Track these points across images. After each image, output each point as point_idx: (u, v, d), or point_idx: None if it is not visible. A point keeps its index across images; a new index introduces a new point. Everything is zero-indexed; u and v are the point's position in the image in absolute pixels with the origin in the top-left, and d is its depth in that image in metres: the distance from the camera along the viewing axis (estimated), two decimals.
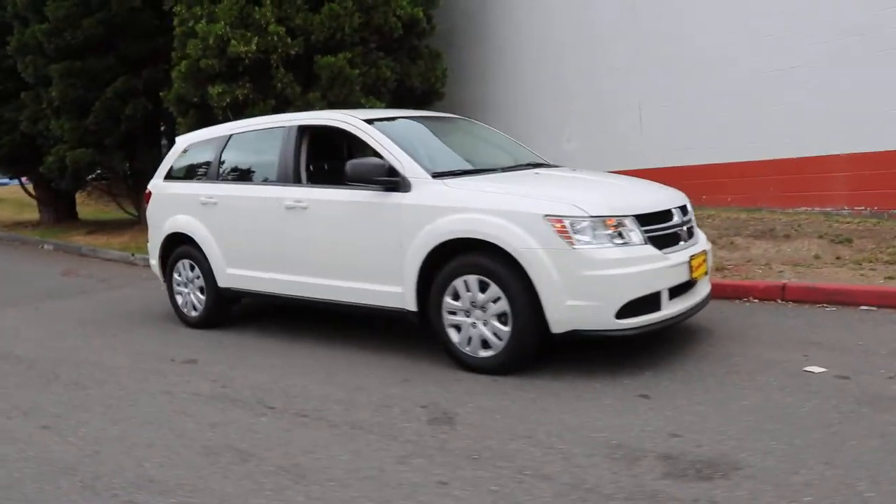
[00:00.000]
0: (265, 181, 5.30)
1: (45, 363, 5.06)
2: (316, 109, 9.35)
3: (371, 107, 9.61)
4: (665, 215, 4.15)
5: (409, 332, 5.10)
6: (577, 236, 3.78)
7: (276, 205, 5.06)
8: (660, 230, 4.05)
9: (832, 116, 7.37)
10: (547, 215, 3.83)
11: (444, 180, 4.33)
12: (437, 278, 4.23)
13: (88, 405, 4.04)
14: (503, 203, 4.01)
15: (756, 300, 5.42)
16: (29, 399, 4.23)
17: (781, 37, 7.71)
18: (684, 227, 4.29)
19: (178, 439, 3.43)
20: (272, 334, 5.50)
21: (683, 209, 4.38)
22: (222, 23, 9.23)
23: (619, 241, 3.85)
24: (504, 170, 4.72)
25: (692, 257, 4.15)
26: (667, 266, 3.95)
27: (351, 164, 4.45)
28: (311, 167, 5.21)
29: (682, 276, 4.07)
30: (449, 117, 5.76)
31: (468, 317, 4.14)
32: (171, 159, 6.23)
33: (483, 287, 4.05)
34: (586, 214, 3.82)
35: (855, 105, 7.18)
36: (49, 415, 3.91)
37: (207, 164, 5.80)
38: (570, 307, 3.79)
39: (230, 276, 5.51)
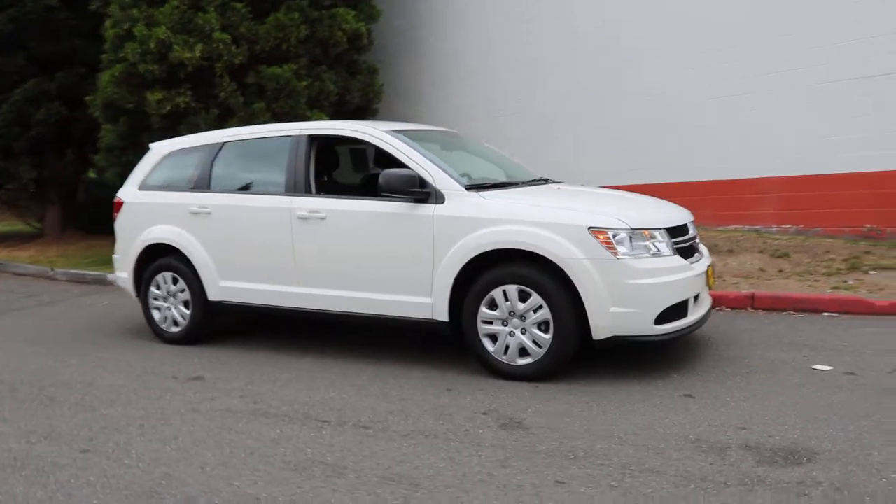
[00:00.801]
0: (271, 191, 5.17)
1: (27, 385, 4.64)
2: (260, 121, 9.17)
3: (317, 118, 9.52)
4: (684, 229, 4.49)
5: (409, 342, 5.16)
6: (620, 247, 4.02)
7: (287, 215, 4.95)
8: (681, 243, 4.38)
9: (762, 144, 8.14)
10: (591, 227, 4.05)
11: (480, 192, 4.45)
12: (472, 288, 4.33)
13: (117, 426, 3.78)
14: (546, 215, 4.18)
15: (728, 308, 5.92)
16: (40, 423, 3.88)
17: (717, 69, 8.44)
18: (696, 241, 4.66)
19: (249, 456, 3.29)
20: (269, 347, 5.33)
21: (693, 224, 4.75)
22: (163, 27, 8.83)
23: (654, 252, 4.13)
24: (525, 184, 4.90)
25: (707, 268, 4.52)
26: (693, 276, 4.27)
27: (385, 175, 4.46)
28: (326, 177, 5.14)
29: (701, 286, 4.41)
30: (444, 131, 5.87)
31: (505, 326, 4.27)
32: (146, 167, 5.90)
33: (523, 296, 4.20)
34: (627, 227, 4.07)
35: (782, 134, 7.98)
36: (78, 438, 3.62)
37: (196, 172, 5.55)
38: (612, 314, 4.01)
39: (224, 288, 5.31)
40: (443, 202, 4.42)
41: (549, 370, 4.18)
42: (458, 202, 4.39)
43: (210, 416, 3.89)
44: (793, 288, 6.17)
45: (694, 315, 4.35)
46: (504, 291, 4.23)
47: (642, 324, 4.04)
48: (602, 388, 4.03)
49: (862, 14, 7.43)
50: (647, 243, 4.11)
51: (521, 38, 10.60)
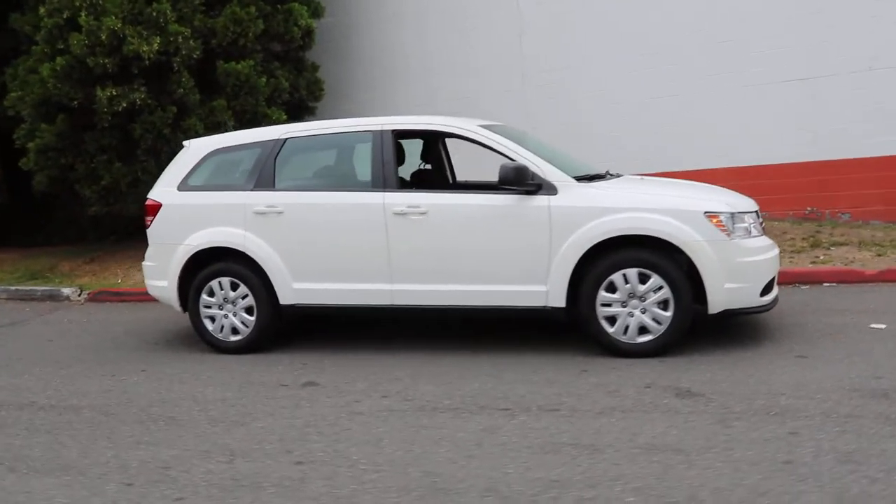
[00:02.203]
0: (355, 187, 5.07)
1: (122, 407, 4.26)
2: (220, 118, 8.73)
3: (276, 118, 9.23)
4: (759, 213, 5.04)
5: (491, 332, 5.31)
6: (731, 229, 4.47)
7: (379, 211, 4.89)
8: (760, 225, 4.92)
9: (710, 139, 9.06)
10: (706, 212, 4.46)
11: (590, 183, 4.71)
12: (590, 274, 4.58)
13: (298, 437, 3.62)
14: (663, 203, 4.54)
15: None
16: (201, 442, 3.62)
17: (665, 70, 9.26)
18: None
19: (483, 447, 3.33)
20: (340, 348, 5.22)
21: None
22: (113, 17, 8.13)
23: (750, 233, 4.62)
24: (611, 176, 5.20)
25: None
26: (777, 253, 4.82)
27: (503, 168, 4.58)
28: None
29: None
30: (503, 126, 5.98)
31: (624, 307, 4.56)
32: (184, 167, 5.50)
33: (643, 278, 4.51)
34: (735, 211, 4.53)
35: (727, 129, 8.94)
36: (273, 452, 3.43)
37: (254, 170, 5.28)
38: (727, 290, 4.45)
39: (298, 291, 5.12)
40: (556, 193, 4.63)
41: (668, 345, 4.54)
42: (573, 193, 4.62)
43: (384, 417, 3.83)
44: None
45: (776, 288, 4.90)
46: (624, 275, 4.53)
47: (750, 296, 4.52)
48: (722, 357, 4.45)
49: (796, 25, 8.53)
50: (744, 225, 4.59)
51: (463, 37, 10.91)
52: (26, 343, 6.30)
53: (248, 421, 3.90)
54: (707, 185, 5.49)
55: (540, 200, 4.64)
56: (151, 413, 4.13)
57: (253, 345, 5.30)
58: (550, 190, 4.64)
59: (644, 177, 5.59)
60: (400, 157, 5.42)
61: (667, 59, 9.23)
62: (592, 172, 5.09)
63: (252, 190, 5.25)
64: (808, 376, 4.00)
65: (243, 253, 5.20)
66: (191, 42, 8.52)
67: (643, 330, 4.55)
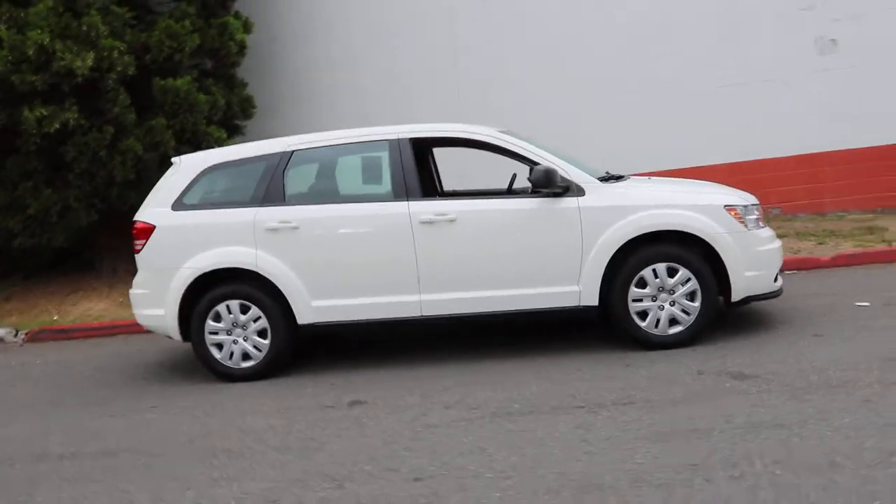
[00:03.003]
0: (376, 197, 4.93)
1: (152, 445, 3.91)
2: (159, 138, 8.22)
3: (218, 136, 8.81)
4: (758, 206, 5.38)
5: (511, 335, 5.33)
6: (746, 221, 4.76)
7: (404, 221, 4.78)
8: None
9: (643, 146, 9.54)
10: (726, 205, 4.73)
11: (613, 183, 4.85)
12: (621, 271, 4.71)
13: (454, 457, 3.46)
14: (686, 199, 4.77)
15: None
16: (272, 472, 3.39)
17: (598, 85, 9.69)
18: None
19: (614, 441, 3.33)
20: (364, 364, 5.04)
21: None
22: (38, 31, 7.46)
23: (758, 224, 4.94)
24: (627, 176, 5.33)
25: None
26: (780, 243, 5.17)
27: (536, 172, 4.62)
28: (438, 179, 5.04)
29: None
30: (511, 130, 5.95)
31: (654, 301, 4.72)
32: (179, 184, 5.13)
33: (671, 272, 4.70)
34: (748, 203, 4.84)
35: (663, 137, 9.47)
36: (364, 474, 3.27)
37: (260, 185, 5.00)
38: (747, 277, 4.72)
39: (317, 309, 4.90)
40: (583, 194, 4.73)
41: (697, 335, 4.75)
42: (600, 193, 4.75)
43: (463, 426, 3.73)
44: None
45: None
46: (654, 270, 4.70)
47: (766, 282, 4.82)
48: (746, 342, 4.70)
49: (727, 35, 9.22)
50: (754, 217, 4.91)
51: (394, 52, 10.91)
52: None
53: (317, 446, 3.67)
54: (703, 181, 5.81)
55: (569, 202, 4.73)
56: (201, 448, 3.80)
57: (267, 370, 5.00)
58: (578, 191, 4.74)
59: (650, 177, 5.82)
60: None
61: (602, 73, 9.68)
62: (602, 174, 5.25)
63: (261, 206, 4.98)
64: (837, 351, 4.32)
65: (255, 273, 4.92)
66: (125, 58, 7.96)
67: (672, 322, 4.74)
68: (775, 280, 4.90)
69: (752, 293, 4.79)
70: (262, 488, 3.19)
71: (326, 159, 5.15)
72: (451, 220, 4.80)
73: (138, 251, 5.14)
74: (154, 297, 5.08)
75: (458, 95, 10.68)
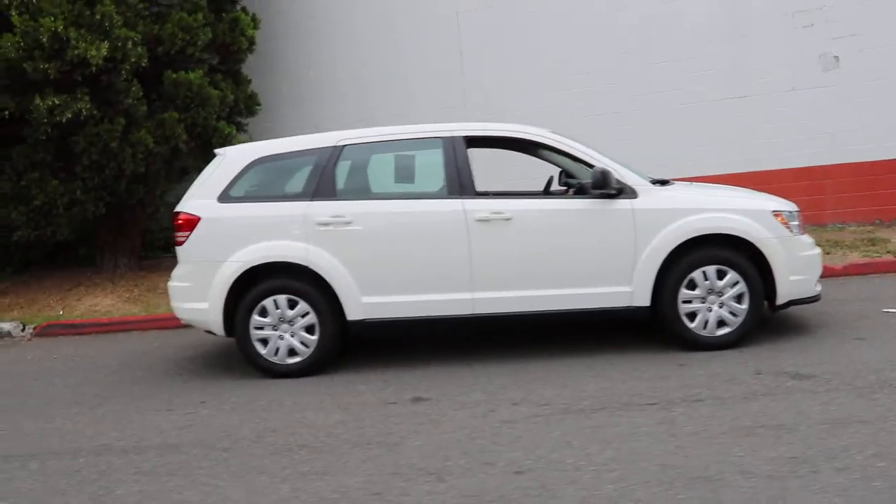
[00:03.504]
0: (429, 194, 4.92)
1: (220, 440, 3.83)
2: (169, 131, 8.06)
3: (228, 132, 8.69)
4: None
5: (565, 335, 5.38)
6: (792, 226, 4.89)
7: (460, 218, 4.79)
8: None
9: (646, 153, 9.72)
10: (774, 211, 4.85)
11: (665, 187, 4.93)
12: (672, 272, 4.78)
13: (506, 461, 3.45)
14: (736, 203, 4.88)
15: None
16: (363, 466, 3.36)
17: (598, 90, 9.85)
18: None
19: (725, 435, 3.37)
20: (416, 362, 5.02)
21: None
22: (51, 17, 7.26)
23: (802, 230, 5.07)
24: (668, 182, 5.40)
25: None
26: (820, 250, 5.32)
27: (595, 173, 4.68)
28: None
29: None
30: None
31: (703, 302, 4.81)
32: (224, 176, 5.03)
33: (720, 275, 4.79)
34: (792, 210, 4.97)
35: (666, 145, 9.67)
36: (460, 469, 3.26)
37: (310, 179, 4.95)
38: (792, 282, 4.84)
39: (367, 305, 4.86)
40: (636, 196, 4.80)
41: (743, 336, 4.85)
42: (653, 196, 4.83)
43: (541, 422, 3.74)
44: None
45: None
46: (704, 272, 4.79)
47: (809, 287, 4.95)
48: (792, 344, 4.81)
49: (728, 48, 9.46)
50: (797, 223, 5.04)
51: (398, 52, 10.91)
52: (7, 385, 5.39)
53: (397, 440, 3.64)
54: (739, 187, 5.94)
55: (622, 203, 4.80)
56: (272, 443, 3.73)
57: (314, 366, 4.94)
58: (631, 193, 4.81)
59: (692, 182, 5.90)
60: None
61: (602, 79, 9.83)
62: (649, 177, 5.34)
63: (311, 200, 4.92)
64: (885, 354, 4.45)
65: (304, 267, 4.85)
66: (139, 49, 7.79)
67: (721, 323, 4.83)
68: (816, 285, 5.04)
69: (794, 297, 4.91)
70: (360, 482, 3.15)
71: (378, 155, 5.12)
72: (507, 219, 4.81)
73: (180, 243, 5.03)
74: (197, 291, 4.98)
75: (463, 97, 10.73)
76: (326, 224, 4.86)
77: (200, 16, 8.44)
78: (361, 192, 5.05)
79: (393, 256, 4.87)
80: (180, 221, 5.02)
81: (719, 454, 3.15)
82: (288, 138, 5.25)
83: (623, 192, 4.81)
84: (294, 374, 4.94)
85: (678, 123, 9.55)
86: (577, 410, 3.88)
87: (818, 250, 5.09)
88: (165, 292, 8.39)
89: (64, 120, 7.33)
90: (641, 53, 9.69)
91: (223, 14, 8.97)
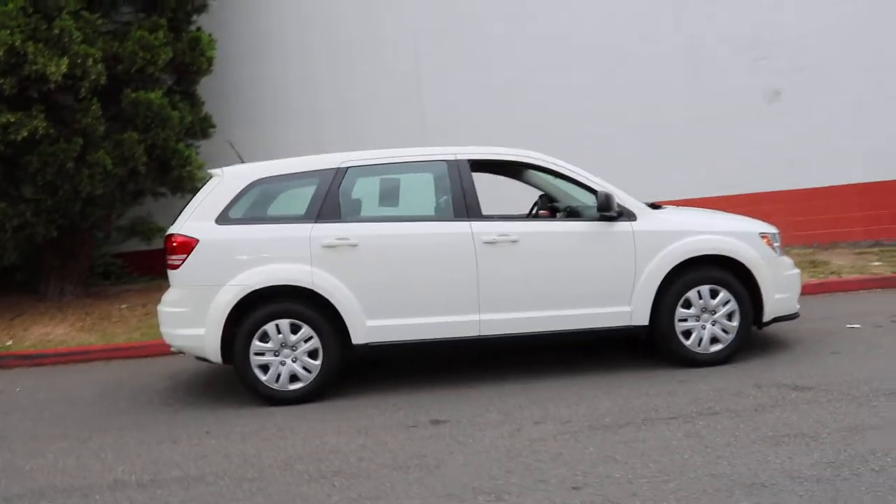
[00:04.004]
0: (436, 217, 4.94)
1: (241, 470, 3.69)
2: (128, 152, 7.76)
3: (188, 154, 8.45)
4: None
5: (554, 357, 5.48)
6: (775, 248, 5.18)
7: (467, 240, 4.82)
8: None
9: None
10: (761, 233, 5.14)
11: (658, 210, 5.13)
12: (669, 292, 4.96)
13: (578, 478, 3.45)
14: (726, 226, 5.14)
15: None
16: (440, 487, 3.31)
17: (561, 115, 10.16)
18: None
19: (761, 443, 3.50)
20: (417, 385, 4.99)
21: None
22: (8, 31, 6.90)
23: (780, 252, 5.38)
24: (659, 205, 5.60)
25: None
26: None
27: (601, 196, 4.83)
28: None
29: None
30: None
31: (698, 321, 5.01)
32: (223, 197, 4.88)
33: (713, 294, 5.01)
34: (776, 232, 5.27)
35: (629, 171, 10.02)
36: (516, 486, 3.26)
37: (314, 201, 4.87)
38: (777, 300, 5.12)
39: (372, 329, 4.80)
40: (635, 219, 4.98)
41: (734, 352, 5.07)
42: (650, 219, 5.02)
43: (570, 439, 3.80)
44: None
45: None
46: (698, 291, 5.00)
47: (791, 304, 5.25)
48: (777, 359, 5.08)
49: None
50: (777, 244, 5.35)
51: (354, 75, 10.92)
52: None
53: (435, 462, 3.60)
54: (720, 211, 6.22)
55: (622, 226, 4.96)
56: (304, 471, 3.61)
57: (315, 392, 4.82)
58: (631, 216, 4.99)
59: (679, 206, 6.14)
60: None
61: (567, 103, 10.13)
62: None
63: (315, 222, 4.84)
64: (867, 365, 4.77)
65: (308, 291, 4.75)
66: (98, 66, 7.48)
67: (713, 340, 5.05)
68: (796, 303, 5.35)
69: (779, 314, 5.20)
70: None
71: (382, 177, 5.10)
72: (514, 241, 4.89)
73: (175, 267, 4.83)
74: (193, 316, 4.78)
75: (421, 121, 10.82)
76: (332, 246, 4.79)
77: (161, 34, 8.19)
78: (366, 214, 5.01)
79: (399, 279, 4.84)
80: (175, 244, 4.82)
81: (760, 462, 3.29)
82: (287, 159, 5.16)
83: (623, 214, 4.99)
84: (295, 400, 4.79)
85: (632, 146, 9.91)
86: (602, 427, 3.96)
87: (798, 270, 5.41)
88: (121, 320, 8.18)
89: (19, 138, 6.92)
90: (603, 78, 10.05)
91: (182, 33, 8.73)
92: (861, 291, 7.59)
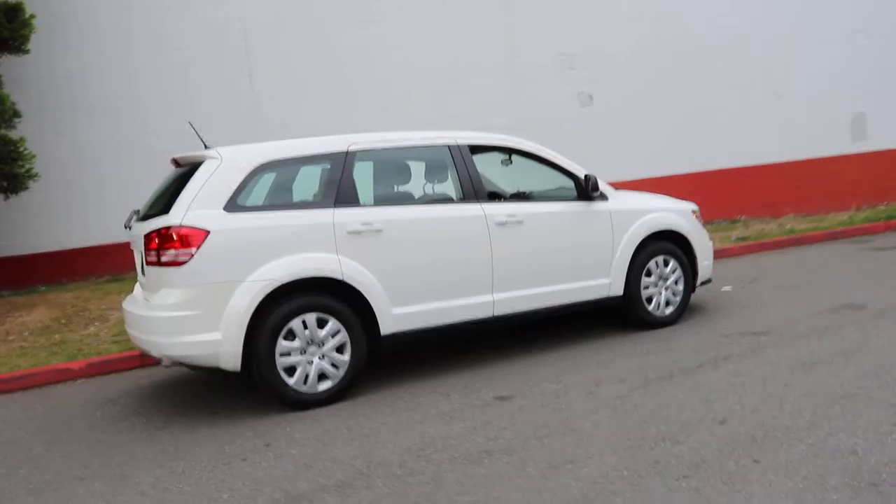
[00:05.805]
0: (447, 200, 4.92)
1: (363, 477, 3.39)
2: None
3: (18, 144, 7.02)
4: None
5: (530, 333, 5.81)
6: (701, 221, 6.11)
7: (482, 222, 4.89)
8: None
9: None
10: (693, 210, 6.02)
11: (619, 191, 5.71)
12: (636, 263, 5.58)
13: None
14: (670, 205, 5.93)
15: None
16: (532, 478, 3.37)
17: (396, 112, 10.40)
18: None
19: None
20: (428, 370, 4.95)
21: None
22: None
23: None
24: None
25: None
26: None
27: (592, 179, 5.24)
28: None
29: None
30: None
31: (656, 287, 5.71)
32: (228, 182, 4.25)
33: (666, 262, 5.76)
34: (698, 208, 6.19)
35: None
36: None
37: (331, 185, 4.51)
38: (705, 266, 6.08)
39: (399, 317, 4.64)
40: (607, 199, 5.51)
41: (681, 313, 5.87)
42: (618, 199, 5.61)
43: (619, 403, 4.13)
44: None
45: None
46: (657, 262, 5.71)
47: (710, 270, 6.23)
48: (709, 316, 6.00)
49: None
50: (700, 219, 6.29)
51: (180, 69, 9.98)
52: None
53: (577, 426, 3.69)
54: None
55: (600, 206, 5.46)
56: (451, 456, 3.44)
57: (344, 390, 4.48)
58: (604, 197, 5.51)
59: (626, 189, 6.72)
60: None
61: (397, 103, 10.41)
62: None
63: (335, 207, 4.49)
64: (781, 311, 5.88)
65: (335, 281, 4.41)
66: None
67: (667, 303, 5.80)
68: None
69: (704, 278, 6.15)
70: (614, 462, 3.21)
71: (389, 161, 4.90)
72: (520, 222, 5.08)
73: (179, 263, 4.11)
74: (206, 319, 4.12)
75: (254, 117, 10.21)
76: (357, 232, 4.50)
77: None
78: (384, 198, 4.78)
79: (423, 264, 4.73)
80: (181, 237, 4.10)
81: (818, 383, 4.02)
82: (288, 141, 4.64)
83: (602, 195, 5.49)
84: (324, 401, 4.41)
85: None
86: (659, 379, 4.38)
87: (712, 242, 6.44)
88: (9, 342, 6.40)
89: None
90: (432, 85, 10.54)
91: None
92: None
